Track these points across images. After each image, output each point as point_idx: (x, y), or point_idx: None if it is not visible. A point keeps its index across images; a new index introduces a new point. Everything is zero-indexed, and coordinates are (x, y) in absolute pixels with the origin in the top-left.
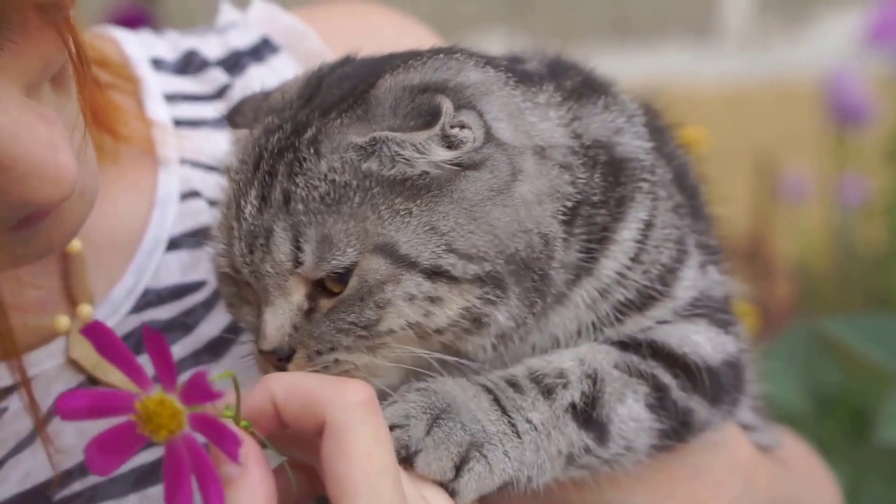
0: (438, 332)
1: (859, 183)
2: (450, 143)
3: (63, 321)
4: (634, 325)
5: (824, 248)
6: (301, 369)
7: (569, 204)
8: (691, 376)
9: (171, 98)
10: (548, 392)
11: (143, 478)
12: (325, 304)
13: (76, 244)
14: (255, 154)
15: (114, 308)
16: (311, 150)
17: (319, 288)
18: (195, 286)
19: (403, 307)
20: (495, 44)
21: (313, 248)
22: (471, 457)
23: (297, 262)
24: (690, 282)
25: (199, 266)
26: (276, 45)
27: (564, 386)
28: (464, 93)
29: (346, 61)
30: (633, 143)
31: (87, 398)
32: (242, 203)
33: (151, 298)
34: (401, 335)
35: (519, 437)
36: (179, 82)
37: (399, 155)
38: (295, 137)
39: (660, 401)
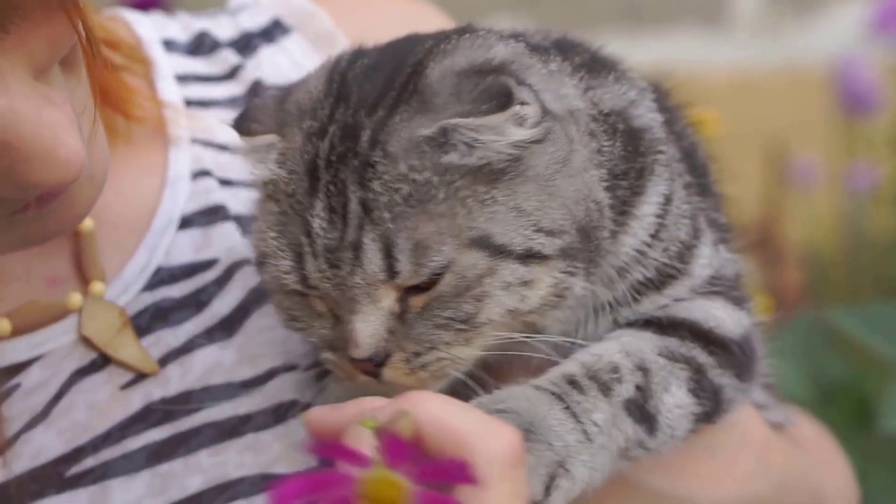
0: (530, 312)
1: (869, 170)
2: (519, 121)
3: (75, 298)
4: (651, 304)
5: (833, 236)
6: (398, 372)
7: (603, 171)
8: (722, 352)
9: (183, 79)
10: (606, 389)
11: (155, 454)
12: (415, 302)
13: (88, 223)
14: (305, 163)
15: (126, 286)
16: (380, 153)
17: (407, 288)
18: (207, 264)
19: (501, 296)
20: None
21: (409, 256)
22: (558, 474)
23: (393, 273)
24: (706, 259)
25: (211, 244)
26: (287, 27)
27: (619, 381)
28: (513, 69)
29: (362, 52)
30: (648, 115)
31: (304, 483)
32: (309, 218)
33: (164, 276)
34: (497, 323)
35: (591, 441)
36: (191, 63)
37: (477, 141)
38: (351, 142)
39: (698, 383)
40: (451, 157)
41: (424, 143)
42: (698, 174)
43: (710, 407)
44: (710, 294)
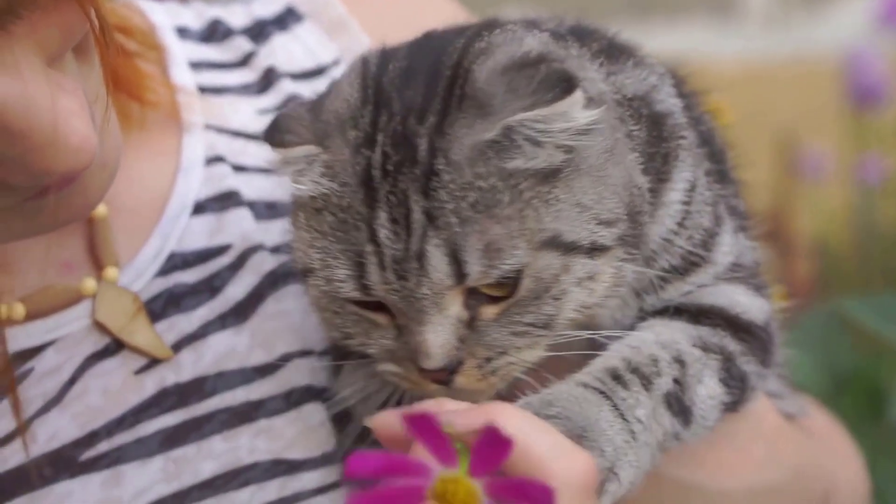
0: (595, 305)
1: (878, 162)
2: (585, 104)
3: (89, 284)
4: (676, 291)
5: (843, 228)
6: (471, 378)
7: (636, 155)
8: (750, 339)
9: (196, 66)
10: (647, 382)
11: (169, 439)
12: (488, 310)
13: (101, 209)
14: (358, 175)
15: (139, 271)
16: (443, 161)
17: (474, 295)
18: (220, 250)
19: (576, 293)
20: None
21: (478, 258)
22: (608, 479)
23: (460, 276)
24: (728, 247)
25: (224, 230)
26: (300, 14)
27: (658, 374)
28: (552, 58)
29: (389, 55)
30: (669, 101)
31: (382, 461)
32: (375, 227)
33: (177, 262)
34: (568, 321)
35: (636, 440)
36: (204, 50)
37: (547, 132)
38: (407, 151)
39: (728, 372)
40: (517, 162)
41: (488, 147)
42: (716, 160)
43: (738, 395)
44: (732, 280)
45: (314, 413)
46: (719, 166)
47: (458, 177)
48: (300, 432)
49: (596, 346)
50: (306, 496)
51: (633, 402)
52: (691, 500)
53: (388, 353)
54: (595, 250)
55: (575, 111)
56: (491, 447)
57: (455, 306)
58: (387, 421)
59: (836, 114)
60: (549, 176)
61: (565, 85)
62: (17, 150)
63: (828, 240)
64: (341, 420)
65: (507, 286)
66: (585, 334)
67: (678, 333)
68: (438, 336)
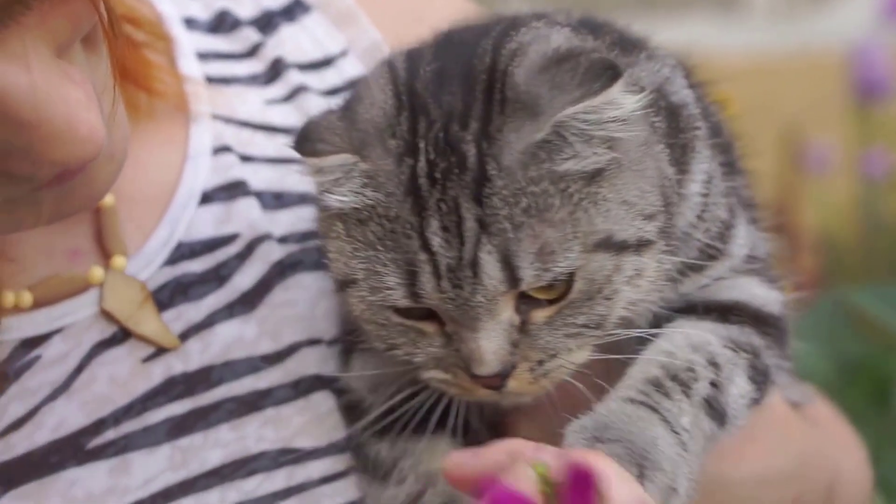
0: (640, 301)
1: (884, 155)
2: (632, 90)
3: (97, 272)
4: (693, 285)
5: (849, 221)
6: (523, 382)
7: (662, 146)
8: (772, 332)
9: (204, 56)
10: (686, 389)
11: (176, 427)
12: (540, 314)
13: (109, 198)
14: (405, 184)
15: (148, 260)
16: (494, 167)
17: (525, 299)
18: (228, 239)
19: (626, 291)
20: None
21: (531, 262)
22: (670, 496)
23: (514, 281)
24: (743, 239)
25: (231, 219)
26: (307, 5)
27: (695, 379)
28: (580, 51)
29: (416, 58)
30: (683, 92)
31: (513, 500)
32: (429, 236)
33: (185, 251)
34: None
35: (686, 451)
36: (212, 41)
37: (600, 123)
38: (454, 157)
39: (755, 368)
40: (567, 164)
41: (539, 149)
42: (726, 151)
43: (763, 390)
44: (747, 273)
45: (322, 402)
46: (729, 157)
47: (510, 182)
48: (308, 421)
49: (631, 344)
50: (314, 485)
51: (677, 412)
52: (698, 489)
53: (435, 361)
54: (641, 246)
55: (623, 98)
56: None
57: (507, 311)
58: (459, 462)
59: (841, 107)
60: (595, 176)
61: (610, 73)
62: (26, 140)
63: (833, 233)
64: (352, 409)
65: (559, 289)
66: (634, 332)
67: (709, 335)
68: (492, 342)
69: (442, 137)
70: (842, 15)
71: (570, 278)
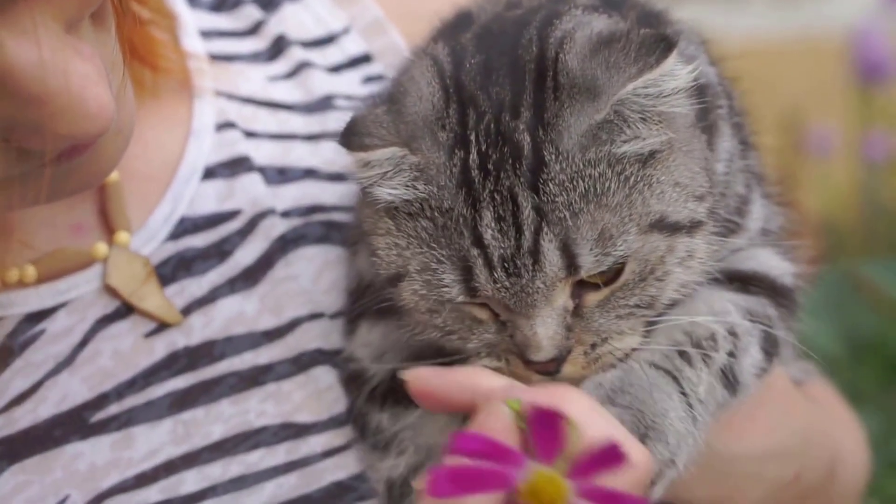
0: (692, 283)
1: (884, 138)
2: (686, 59)
3: (101, 248)
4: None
5: (850, 203)
6: (577, 366)
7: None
8: (786, 303)
9: (207, 34)
10: (706, 357)
11: (179, 402)
12: (592, 296)
13: (113, 174)
14: (456, 177)
15: (151, 235)
16: (552, 152)
17: (578, 282)
18: (230, 215)
19: (679, 273)
20: None
21: (590, 249)
22: (667, 466)
23: (574, 268)
24: (758, 213)
25: (234, 195)
26: None
27: (715, 348)
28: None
29: (461, 51)
30: (708, 70)
31: (482, 444)
32: (480, 230)
33: (188, 226)
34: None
35: (696, 423)
36: (214, 19)
37: (659, 97)
38: (507, 148)
39: (768, 340)
40: (626, 146)
41: (600, 129)
42: (741, 128)
43: (771, 361)
44: (764, 244)
45: (323, 376)
46: (743, 134)
47: (568, 166)
48: (309, 396)
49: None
50: (316, 459)
51: (696, 381)
52: (700, 463)
53: (488, 349)
54: (693, 227)
55: (679, 69)
56: (600, 459)
57: (562, 297)
58: (422, 376)
59: (842, 91)
60: (650, 158)
61: (664, 45)
62: (36, 115)
63: (834, 215)
64: (354, 379)
65: (612, 270)
66: (684, 319)
67: (728, 304)
68: (548, 328)
69: (493, 128)
70: None
71: (623, 260)
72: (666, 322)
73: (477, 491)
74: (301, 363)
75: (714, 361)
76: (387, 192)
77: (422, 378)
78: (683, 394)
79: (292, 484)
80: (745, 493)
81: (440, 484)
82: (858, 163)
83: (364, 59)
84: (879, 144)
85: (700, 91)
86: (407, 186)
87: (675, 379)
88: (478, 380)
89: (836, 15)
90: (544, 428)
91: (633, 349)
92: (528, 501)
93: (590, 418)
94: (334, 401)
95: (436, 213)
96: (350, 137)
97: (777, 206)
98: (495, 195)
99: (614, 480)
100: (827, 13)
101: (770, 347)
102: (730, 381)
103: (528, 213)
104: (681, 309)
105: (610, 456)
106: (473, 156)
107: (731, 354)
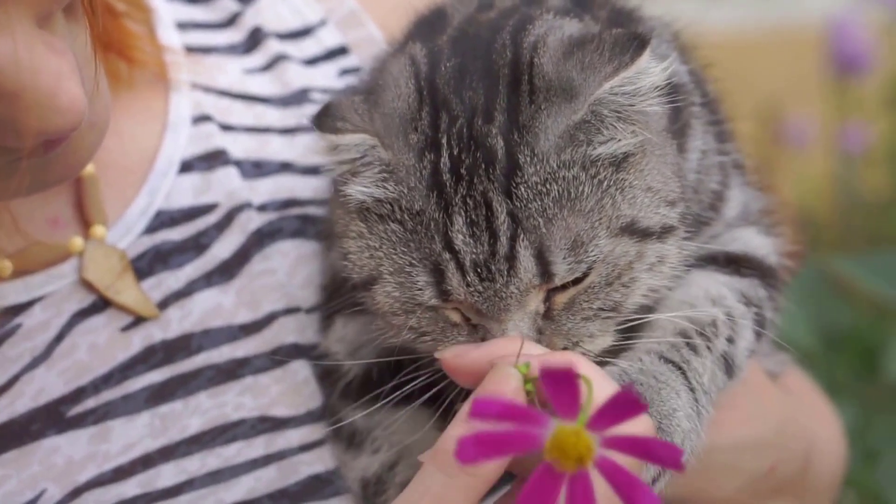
0: (663, 288)
1: (861, 130)
2: (658, 56)
3: (77, 242)
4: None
5: (826, 195)
6: None
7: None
8: (773, 282)
9: (183, 25)
10: (709, 343)
11: (156, 395)
12: (559, 299)
13: (89, 167)
14: (426, 179)
15: (127, 228)
16: (528, 154)
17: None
18: (207, 208)
19: (646, 278)
20: None
21: (563, 257)
22: None
23: (548, 276)
24: (735, 201)
25: (211, 188)
26: None
27: (716, 335)
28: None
29: (437, 53)
30: (680, 68)
31: (502, 407)
32: (450, 234)
33: (164, 220)
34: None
35: (700, 417)
36: (190, 10)
37: (635, 95)
38: (480, 152)
39: (758, 322)
40: (601, 148)
41: (577, 129)
42: (717, 118)
43: (760, 342)
44: (743, 225)
45: (300, 370)
46: (718, 123)
47: (542, 169)
48: (286, 390)
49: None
50: (292, 453)
51: (701, 370)
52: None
53: None
54: (664, 233)
55: (653, 65)
56: (618, 408)
57: (535, 301)
58: (458, 352)
59: (819, 82)
60: (623, 162)
61: (637, 43)
62: (7, 110)
63: (810, 207)
64: (329, 374)
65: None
66: (651, 317)
67: (724, 288)
68: (520, 332)
69: (465, 133)
70: None
71: (593, 266)
72: (668, 316)
73: (505, 453)
74: (278, 357)
75: (716, 348)
76: (358, 190)
77: (457, 355)
78: (690, 388)
79: (270, 477)
80: (720, 485)
81: (468, 449)
82: (835, 154)
83: (340, 51)
84: (855, 136)
85: (673, 90)
86: (377, 185)
87: (682, 373)
88: (500, 348)
89: (812, 7)
90: (561, 386)
91: (605, 350)
92: (554, 458)
93: (598, 376)
94: (311, 395)
95: (406, 216)
96: (323, 118)
97: (757, 191)
98: (468, 200)
99: (633, 427)
100: (803, 5)
101: (761, 329)
102: (729, 365)
103: (502, 219)
104: (680, 292)
105: (627, 404)
106: (445, 159)
107: (729, 340)
